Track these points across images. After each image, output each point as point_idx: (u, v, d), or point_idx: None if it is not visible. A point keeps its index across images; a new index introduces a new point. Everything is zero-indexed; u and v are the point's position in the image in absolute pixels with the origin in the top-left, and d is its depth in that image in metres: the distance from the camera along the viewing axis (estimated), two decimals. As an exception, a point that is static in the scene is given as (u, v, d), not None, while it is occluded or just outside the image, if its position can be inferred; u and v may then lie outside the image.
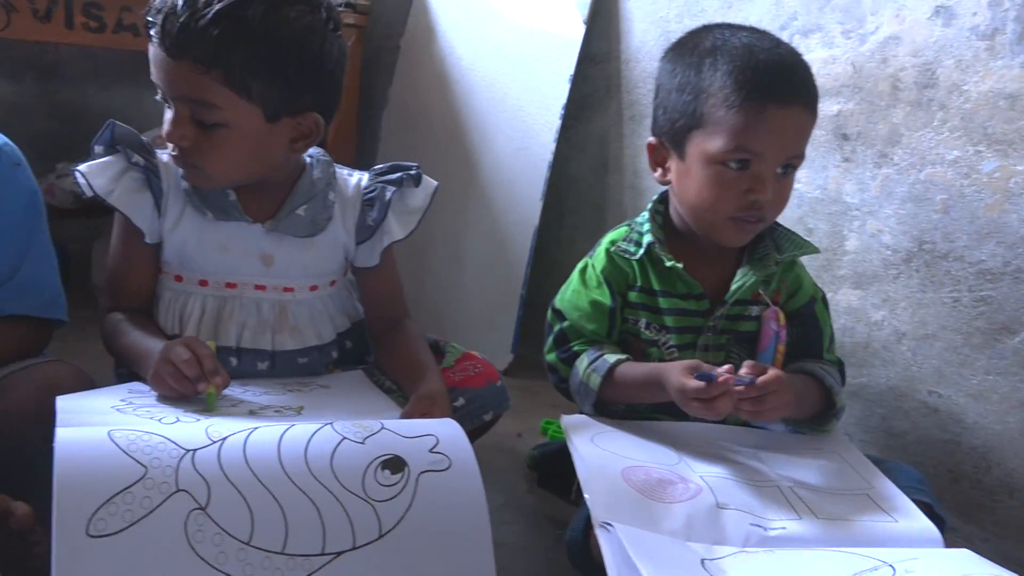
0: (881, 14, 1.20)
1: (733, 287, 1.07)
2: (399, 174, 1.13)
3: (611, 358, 1.06)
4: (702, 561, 0.82)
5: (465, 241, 1.70)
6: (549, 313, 1.17)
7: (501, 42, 1.69)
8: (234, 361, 1.07)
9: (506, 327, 1.62)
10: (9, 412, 0.91)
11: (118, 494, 0.68)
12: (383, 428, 0.84)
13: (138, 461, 0.71)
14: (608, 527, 0.84)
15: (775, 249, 1.08)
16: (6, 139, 1.03)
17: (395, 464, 0.80)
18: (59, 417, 0.82)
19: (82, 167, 1.03)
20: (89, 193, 1.02)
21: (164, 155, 1.07)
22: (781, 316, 1.07)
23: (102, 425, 0.81)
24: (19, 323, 1.02)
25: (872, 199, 1.23)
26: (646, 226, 1.10)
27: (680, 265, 1.06)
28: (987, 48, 1.10)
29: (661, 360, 1.09)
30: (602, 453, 0.98)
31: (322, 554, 0.73)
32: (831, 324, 1.12)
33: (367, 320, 1.19)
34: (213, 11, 0.93)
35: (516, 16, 1.68)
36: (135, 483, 0.69)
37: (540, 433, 1.40)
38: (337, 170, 1.14)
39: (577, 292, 1.13)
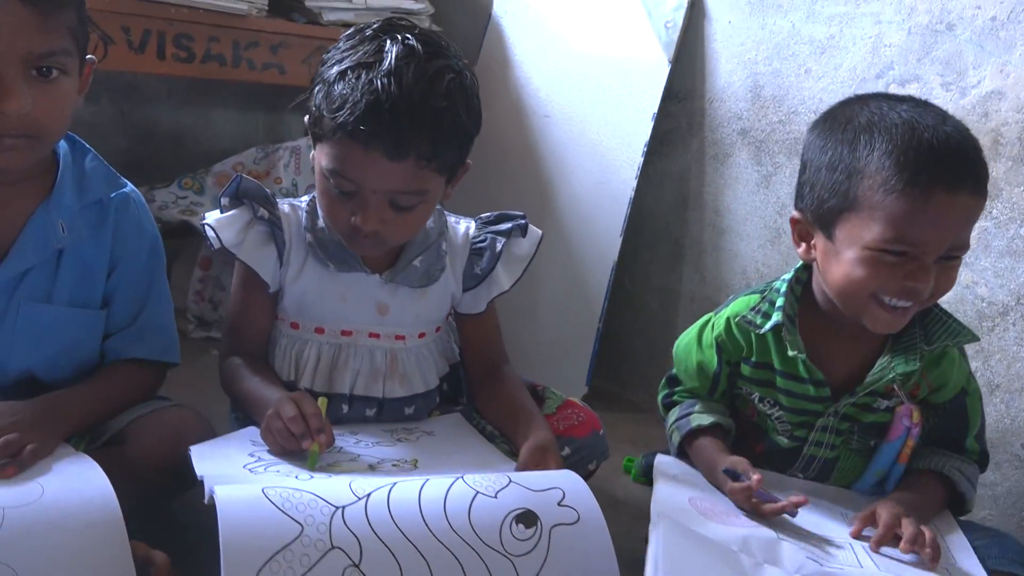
0: (984, 68, 1.21)
1: (869, 379, 1.02)
2: (508, 224, 1.15)
3: (694, 422, 1.07)
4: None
5: (542, 273, 1.72)
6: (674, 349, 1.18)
7: (581, 75, 1.71)
8: (345, 408, 1.10)
9: (581, 359, 1.64)
10: (139, 459, 0.94)
11: (279, 552, 0.71)
12: (511, 482, 0.87)
13: (294, 519, 0.74)
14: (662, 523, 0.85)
15: (923, 339, 1.01)
16: (132, 186, 1.06)
17: (528, 518, 0.83)
18: (197, 467, 0.85)
19: (210, 220, 1.06)
20: (217, 245, 1.05)
21: (284, 206, 1.10)
22: (916, 414, 1.02)
23: (241, 477, 0.84)
24: (139, 367, 1.05)
25: (969, 252, 1.23)
26: (780, 300, 1.04)
27: (804, 356, 1.02)
28: (1096, 108, 1.10)
29: (772, 429, 1.10)
30: (677, 485, 1.01)
31: (471, 610, 0.75)
32: (982, 416, 1.07)
33: (466, 364, 1.22)
34: (431, 109, 0.95)
35: (596, 50, 1.70)
36: (293, 541, 0.72)
37: (623, 471, 1.41)
38: (447, 218, 1.16)
39: (689, 347, 1.14)
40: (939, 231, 0.91)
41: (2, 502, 0.76)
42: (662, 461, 1.09)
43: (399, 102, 0.93)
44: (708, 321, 1.13)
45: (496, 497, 0.84)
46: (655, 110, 1.57)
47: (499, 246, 1.13)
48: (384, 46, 0.96)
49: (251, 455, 0.93)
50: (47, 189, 0.99)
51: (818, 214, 0.99)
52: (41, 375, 1.01)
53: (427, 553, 0.76)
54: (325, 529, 0.73)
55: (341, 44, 1.01)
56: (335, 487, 0.80)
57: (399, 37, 0.97)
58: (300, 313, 1.11)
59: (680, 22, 1.56)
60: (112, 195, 1.04)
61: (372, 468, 0.96)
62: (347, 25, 1.87)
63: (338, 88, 0.96)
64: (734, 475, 0.96)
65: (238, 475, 0.85)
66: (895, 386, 1.02)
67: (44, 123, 0.90)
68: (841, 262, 0.96)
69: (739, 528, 0.91)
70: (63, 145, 1.01)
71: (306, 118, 1.04)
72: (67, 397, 0.96)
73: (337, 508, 0.76)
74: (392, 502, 0.79)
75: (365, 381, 1.11)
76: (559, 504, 0.86)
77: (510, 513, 0.82)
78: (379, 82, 0.93)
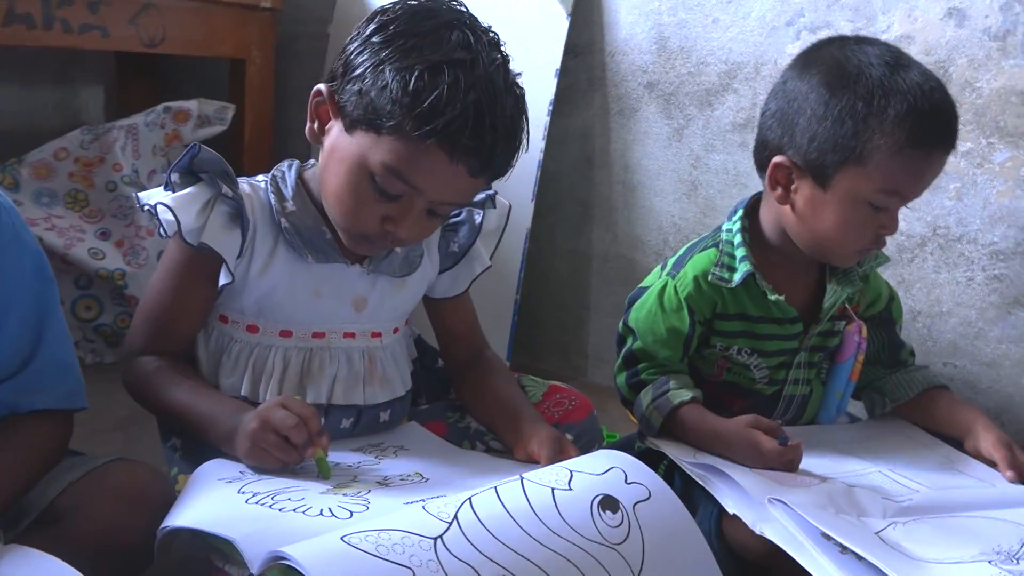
0: (892, 13, 1.27)
1: (826, 305, 1.07)
2: (481, 195, 1.03)
3: (674, 398, 1.04)
4: (877, 532, 0.84)
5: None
6: (620, 326, 1.13)
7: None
8: (321, 420, 0.92)
9: (501, 334, 1.55)
10: (83, 539, 0.73)
11: (402, 604, 0.57)
12: (573, 471, 0.78)
13: (400, 564, 0.60)
14: (778, 502, 0.84)
15: (856, 263, 1.09)
16: (6, 198, 0.80)
17: (610, 503, 0.76)
18: (208, 529, 0.68)
19: (167, 199, 0.85)
20: (173, 230, 0.84)
21: (244, 184, 0.91)
22: (864, 329, 1.10)
23: (268, 522, 0.68)
24: (42, 420, 0.81)
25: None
26: (741, 251, 1.06)
27: (783, 298, 1.04)
28: (999, 48, 1.20)
29: (751, 378, 1.10)
30: (714, 461, 0.98)
31: (600, 612, 0.66)
32: (902, 314, 1.17)
33: (445, 356, 1.09)
34: (516, 126, 0.87)
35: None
36: (411, 587, 0.58)
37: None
38: None
39: (653, 315, 1.08)
40: (923, 185, 1.00)
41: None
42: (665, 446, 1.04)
43: (497, 118, 0.82)
44: (664, 286, 1.09)
45: (572, 489, 0.75)
46: (558, 66, 1.50)
47: (478, 219, 1.01)
48: (469, 40, 0.84)
49: (240, 492, 0.75)
50: None
51: (816, 164, 0.99)
52: None
53: (542, 563, 0.66)
54: (436, 566, 0.60)
55: (399, 14, 0.85)
56: (412, 516, 0.66)
57: (468, 21, 0.86)
58: (262, 314, 0.93)
59: (575, -29, 1.50)
60: None
61: (382, 485, 0.82)
62: (181, -23, 1.60)
63: (428, 85, 0.80)
64: (784, 441, 0.94)
65: (264, 519, 0.68)
66: (846, 306, 1.09)
67: None
68: (831, 211, 0.99)
69: (814, 486, 0.89)
70: None
71: (327, 88, 0.87)
72: None
73: (434, 539, 0.63)
74: (483, 519, 0.67)
75: (343, 388, 0.95)
76: (627, 483, 0.79)
77: (593, 501, 0.74)
78: (479, 93, 0.81)
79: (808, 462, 0.99)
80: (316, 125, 0.91)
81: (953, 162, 1.25)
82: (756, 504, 0.87)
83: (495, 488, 0.72)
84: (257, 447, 0.79)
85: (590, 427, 1.03)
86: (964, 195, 1.25)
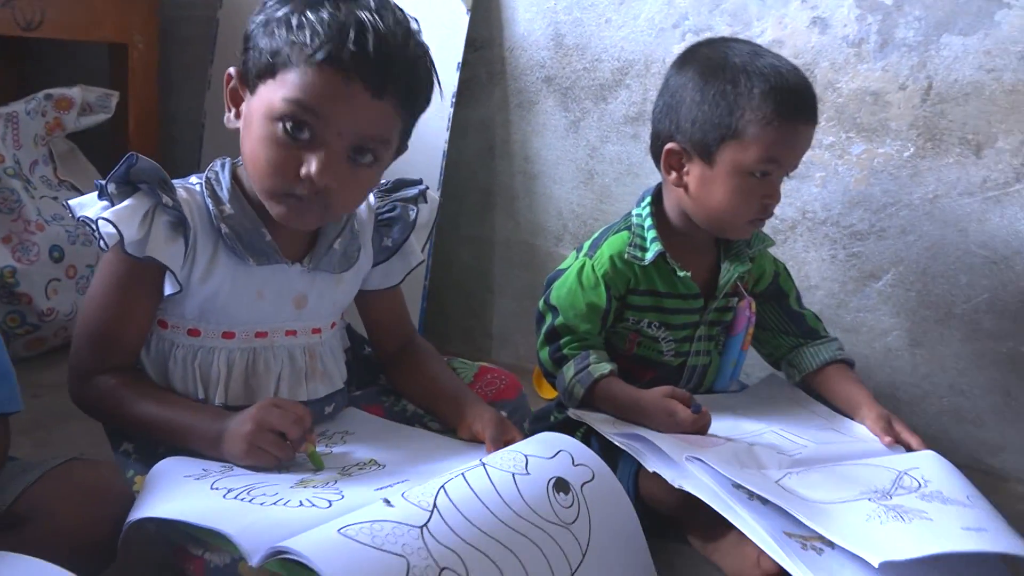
0: (766, 20, 1.41)
1: (721, 283, 1.21)
2: (414, 191, 1.07)
3: (595, 371, 1.14)
4: (776, 481, 0.97)
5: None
6: (540, 305, 1.21)
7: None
8: None
9: (411, 320, 1.59)
10: (53, 539, 0.73)
11: (401, 590, 0.62)
12: (527, 456, 0.86)
13: (393, 553, 0.66)
14: (694, 459, 0.96)
15: (746, 245, 1.23)
16: None
17: (562, 485, 0.83)
18: (194, 520, 0.70)
19: (107, 214, 0.84)
20: (112, 243, 0.83)
21: (180, 190, 0.90)
22: (753, 304, 1.24)
23: (254, 516, 0.72)
24: None
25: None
26: (651, 233, 1.17)
27: (689, 274, 1.17)
28: (855, 54, 1.36)
29: (659, 351, 1.22)
30: (633, 428, 1.09)
31: (557, 587, 0.74)
32: (795, 286, 1.31)
33: (375, 344, 1.13)
34: (411, 53, 0.87)
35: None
36: (408, 574, 0.64)
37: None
38: None
39: (573, 292, 1.18)
40: (795, 154, 1.14)
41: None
42: (584, 415, 1.13)
43: (385, 36, 0.83)
44: (583, 266, 1.20)
45: (529, 473, 0.82)
46: (460, 59, 1.55)
47: (412, 215, 1.06)
48: None
49: (214, 488, 0.78)
50: None
51: (700, 144, 1.13)
52: None
53: (512, 545, 0.73)
54: (426, 553, 0.66)
55: None
56: (405, 507, 0.71)
57: None
58: (203, 318, 0.93)
59: (474, -32, 1.55)
60: None
61: (345, 475, 0.87)
62: (60, -42, 1.52)
63: (311, 16, 0.82)
64: (697, 408, 1.06)
65: (251, 512, 0.72)
66: (738, 283, 1.23)
67: None
68: (718, 185, 1.13)
69: (720, 446, 1.01)
70: None
71: (235, 69, 0.92)
72: None
73: (420, 527, 0.68)
74: (457, 505, 0.73)
75: (288, 385, 0.98)
76: (574, 465, 0.87)
77: (548, 484, 0.82)
78: (363, 14, 0.83)
79: (713, 426, 1.12)
80: (233, 113, 0.93)
81: (818, 154, 1.42)
82: (674, 464, 0.97)
83: (463, 475, 0.78)
84: (254, 447, 0.83)
85: (520, 405, 1.11)
86: (827, 183, 1.42)
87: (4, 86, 1.75)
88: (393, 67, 0.85)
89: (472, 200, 1.68)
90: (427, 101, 0.93)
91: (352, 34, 0.82)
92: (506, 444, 0.92)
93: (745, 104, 1.09)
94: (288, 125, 0.85)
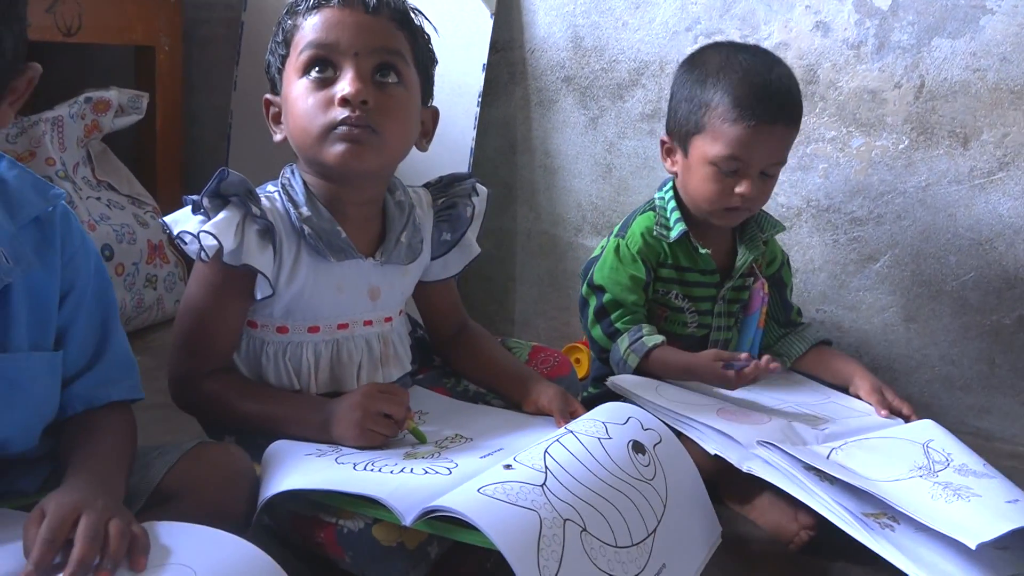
0: (772, 23, 1.53)
1: (738, 264, 1.33)
2: (466, 185, 1.16)
3: (648, 341, 1.25)
4: (827, 458, 1.09)
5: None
6: (584, 288, 1.32)
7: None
8: None
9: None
10: (197, 509, 0.81)
11: (540, 539, 0.73)
12: (603, 422, 0.96)
13: (526, 507, 0.76)
14: (766, 443, 1.06)
15: (759, 230, 1.36)
16: (67, 207, 0.86)
17: (639, 447, 0.94)
18: (342, 488, 0.80)
19: (208, 227, 0.91)
20: (211, 254, 0.92)
21: (263, 199, 0.98)
22: (766, 286, 1.36)
23: (383, 480, 0.81)
24: (117, 411, 0.88)
25: (769, 169, 1.58)
26: (675, 214, 1.30)
27: (709, 252, 1.29)
28: (855, 55, 1.49)
29: (684, 323, 1.34)
30: (685, 401, 1.20)
31: (648, 535, 0.86)
32: (791, 279, 1.44)
33: (433, 329, 1.23)
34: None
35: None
36: (541, 527, 0.74)
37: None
38: (408, 189, 1.13)
39: (615, 268, 1.30)
40: (760, 152, 1.23)
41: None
42: (624, 381, 1.24)
43: None
44: (617, 245, 1.32)
45: (611, 437, 0.93)
46: (485, 61, 1.64)
47: (469, 211, 1.15)
48: None
49: (339, 462, 0.88)
50: None
51: (679, 136, 1.28)
52: (13, 447, 0.80)
53: (610, 497, 0.84)
54: (550, 508, 0.76)
55: None
56: (513, 468, 0.82)
57: None
58: (290, 315, 1.02)
59: (496, -25, 1.64)
60: (50, 208, 0.83)
61: (440, 447, 0.97)
62: (99, -34, 1.57)
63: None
64: (734, 367, 1.18)
65: (389, 480, 0.81)
66: (753, 265, 1.35)
67: None
68: (693, 175, 1.27)
69: (766, 424, 1.12)
70: None
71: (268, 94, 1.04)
72: (94, 470, 0.77)
73: (540, 486, 0.79)
74: (564, 466, 0.84)
75: (367, 372, 1.07)
76: (644, 429, 0.98)
77: (628, 446, 0.93)
78: None
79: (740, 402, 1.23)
80: (277, 130, 1.04)
81: (821, 147, 1.55)
82: (738, 446, 1.06)
83: (559, 440, 0.88)
84: (366, 430, 0.92)
85: (573, 381, 1.22)
86: (830, 174, 1.55)
87: (46, 89, 1.79)
88: None
89: (494, 193, 1.75)
90: (423, 31, 1.04)
91: None
92: (571, 415, 1.03)
93: (709, 100, 1.22)
94: (313, 70, 0.96)
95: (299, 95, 0.97)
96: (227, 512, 0.83)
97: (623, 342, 1.27)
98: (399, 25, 1.00)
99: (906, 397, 1.43)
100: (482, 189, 1.20)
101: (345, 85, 0.94)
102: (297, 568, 0.79)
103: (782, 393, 1.31)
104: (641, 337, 1.26)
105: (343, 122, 0.95)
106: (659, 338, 1.26)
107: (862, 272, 1.57)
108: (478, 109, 1.65)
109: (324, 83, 0.96)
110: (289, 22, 1.00)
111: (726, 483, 1.16)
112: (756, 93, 1.20)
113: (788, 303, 1.43)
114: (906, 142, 1.49)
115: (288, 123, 1.00)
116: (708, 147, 1.23)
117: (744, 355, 1.20)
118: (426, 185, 1.17)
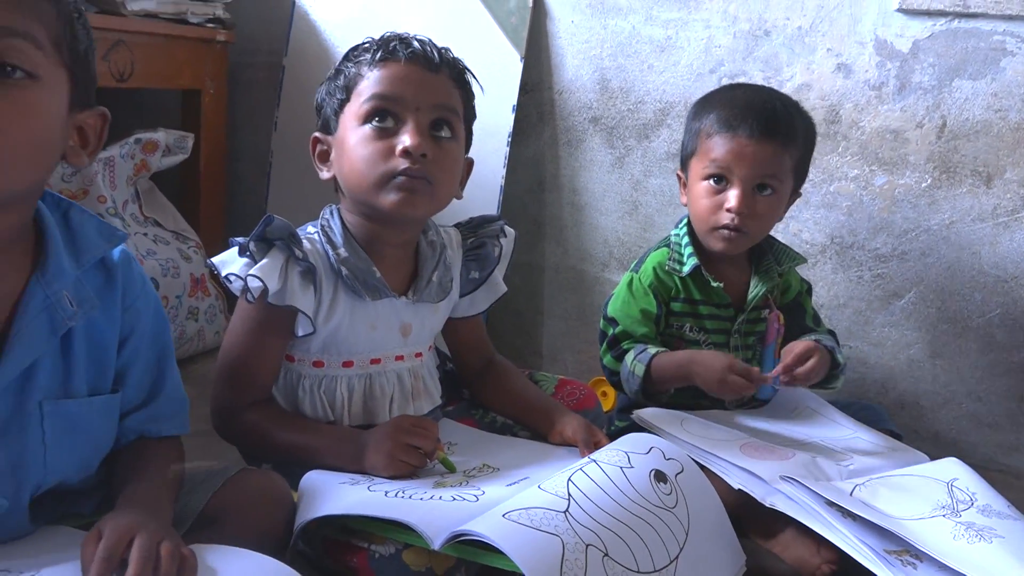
0: (795, 66, 1.57)
1: (750, 297, 1.36)
2: (496, 226, 1.21)
3: (652, 350, 1.29)
4: (850, 494, 1.10)
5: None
6: (602, 321, 1.36)
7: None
8: None
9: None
10: (241, 533, 0.84)
11: (562, 563, 0.76)
12: (626, 452, 0.99)
13: (549, 532, 0.79)
14: (788, 479, 1.08)
15: (775, 262, 1.39)
16: (128, 252, 0.91)
17: (661, 476, 0.97)
18: (377, 513, 0.83)
19: (254, 270, 0.97)
20: (257, 295, 0.97)
21: (304, 241, 1.04)
22: (781, 317, 1.38)
23: (417, 508, 0.85)
24: (166, 443, 0.92)
25: (793, 207, 1.60)
26: (688, 249, 1.34)
27: (721, 285, 1.33)
28: (876, 96, 1.52)
29: None
30: (709, 437, 1.22)
31: (670, 562, 0.88)
32: (812, 306, 1.45)
33: (460, 363, 1.27)
34: (451, 56, 1.08)
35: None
36: (563, 551, 0.77)
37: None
38: (439, 229, 1.18)
39: (627, 302, 1.34)
40: (742, 163, 1.28)
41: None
42: (648, 413, 1.27)
43: (422, 39, 1.07)
44: (631, 279, 1.36)
45: (633, 466, 0.96)
46: (515, 101, 1.70)
47: (497, 251, 1.20)
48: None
49: (371, 490, 0.92)
50: (28, 259, 0.80)
51: (683, 164, 1.37)
52: (73, 479, 0.85)
53: (631, 524, 0.86)
54: (573, 534, 0.79)
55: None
56: (535, 495, 0.85)
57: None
58: (326, 350, 1.07)
59: (527, 20, 1.70)
60: (114, 252, 0.88)
61: (468, 476, 1.00)
62: (151, 15, 1.66)
63: (359, 48, 1.07)
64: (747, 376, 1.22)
65: (419, 506, 0.85)
66: (768, 296, 1.38)
67: None
68: (692, 195, 1.34)
69: (789, 460, 1.13)
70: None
71: (317, 133, 1.10)
72: (146, 495, 0.82)
73: (563, 512, 0.82)
74: (587, 493, 0.87)
75: (399, 405, 1.11)
76: (666, 459, 1.01)
77: (650, 475, 0.95)
78: (403, 33, 1.08)
79: (762, 435, 1.25)
80: (325, 168, 1.10)
81: (844, 185, 1.57)
82: (762, 481, 1.08)
83: (582, 470, 0.92)
84: (396, 460, 0.96)
85: (599, 413, 1.25)
86: (853, 211, 1.58)
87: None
88: (437, 50, 1.07)
89: (523, 229, 1.82)
90: (472, 90, 1.11)
91: (398, 39, 1.05)
92: (595, 446, 1.06)
93: (701, 125, 1.32)
94: (375, 120, 1.02)
95: (359, 142, 1.02)
96: (266, 535, 0.87)
97: (629, 356, 1.30)
98: (456, 83, 1.07)
99: (933, 434, 1.43)
100: (510, 231, 1.24)
101: (407, 138, 1.00)
102: (330, 593, 0.83)
103: (807, 427, 1.32)
104: (645, 348, 1.30)
105: (403, 172, 1.01)
106: (662, 348, 1.30)
107: (887, 308, 1.58)
108: (508, 148, 1.71)
109: (385, 133, 1.01)
110: (352, 69, 1.05)
111: (750, 517, 1.17)
112: (741, 110, 1.29)
113: (808, 329, 1.43)
114: (929, 180, 1.51)
115: (341, 164, 1.05)
116: (699, 164, 1.32)
117: (756, 369, 1.24)
118: (456, 225, 1.22)
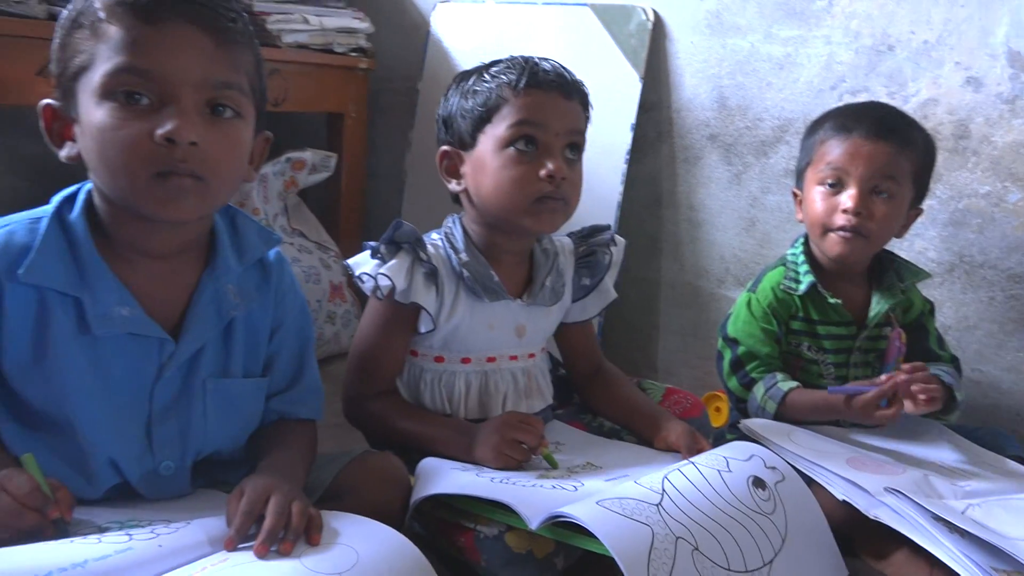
0: (920, 80, 1.54)
1: (872, 314, 1.34)
2: (607, 235, 1.27)
3: (784, 387, 1.29)
4: (962, 512, 1.07)
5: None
6: (719, 342, 1.38)
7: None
8: None
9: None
10: (363, 507, 0.92)
11: (651, 551, 0.80)
12: (726, 458, 1.02)
13: (640, 522, 0.83)
14: (893, 491, 1.06)
15: (898, 278, 1.37)
16: (282, 254, 1.04)
17: (759, 483, 0.98)
18: (484, 496, 0.91)
19: (384, 270, 1.08)
20: (385, 292, 1.08)
21: (429, 246, 1.14)
22: (903, 335, 1.35)
23: (522, 494, 0.91)
24: (303, 424, 1.04)
25: (918, 225, 1.56)
26: (804, 267, 1.34)
27: (840, 301, 1.32)
28: (1010, 110, 1.47)
29: (819, 374, 1.35)
30: (816, 448, 1.21)
31: (764, 564, 0.90)
32: (936, 328, 1.42)
33: (571, 367, 1.33)
34: (576, 79, 1.15)
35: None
36: (653, 540, 0.82)
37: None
38: (552, 237, 1.26)
39: (748, 321, 1.35)
40: (859, 163, 1.28)
41: (331, 569, 0.76)
42: (756, 424, 1.28)
43: (552, 64, 1.13)
44: (748, 300, 1.37)
45: (731, 471, 0.98)
46: (633, 120, 1.75)
47: (606, 259, 1.26)
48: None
49: (479, 475, 0.99)
50: (203, 256, 0.95)
51: (798, 179, 1.38)
52: (225, 451, 0.98)
53: (725, 524, 0.89)
54: (664, 525, 0.84)
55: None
56: (630, 487, 0.90)
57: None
58: (447, 347, 1.16)
59: (646, 41, 1.75)
60: (270, 253, 1.01)
61: (570, 472, 1.06)
62: (303, 46, 1.84)
63: (497, 67, 1.12)
64: (856, 392, 1.22)
65: (521, 491, 0.92)
66: (890, 314, 1.35)
67: (214, 164, 0.84)
68: (807, 204, 1.34)
69: (901, 475, 1.12)
70: None
71: (446, 146, 1.17)
72: (283, 464, 0.93)
73: (656, 505, 0.86)
74: (681, 491, 0.91)
75: (512, 401, 1.18)
76: (766, 467, 1.02)
77: (748, 480, 0.98)
78: (539, 58, 1.14)
79: (879, 454, 1.23)
80: (455, 181, 1.17)
81: (974, 202, 1.52)
82: (866, 493, 1.07)
83: (679, 469, 0.96)
84: (502, 453, 1.03)
85: (704, 423, 1.27)
86: (984, 229, 1.52)
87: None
88: (569, 76, 1.14)
89: (640, 245, 1.87)
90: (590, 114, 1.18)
91: (535, 65, 1.10)
92: (698, 452, 1.09)
93: (816, 138, 1.33)
94: (519, 145, 1.09)
95: (504, 164, 1.10)
96: (383, 511, 0.95)
97: (759, 390, 1.31)
98: (583, 108, 1.15)
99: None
100: (620, 239, 1.30)
101: (551, 164, 1.08)
102: (440, 570, 0.90)
103: (925, 448, 1.29)
104: (776, 383, 1.30)
105: (548, 195, 1.10)
106: (794, 383, 1.29)
107: (1022, 332, 1.51)
108: (626, 165, 1.76)
109: (527, 156, 1.09)
110: (495, 91, 1.11)
111: (862, 537, 1.16)
112: (856, 113, 1.32)
113: (931, 351, 1.40)
114: (1070, 197, 1.44)
115: (480, 182, 1.13)
116: (813, 172, 1.33)
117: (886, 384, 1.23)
118: (569, 234, 1.29)
